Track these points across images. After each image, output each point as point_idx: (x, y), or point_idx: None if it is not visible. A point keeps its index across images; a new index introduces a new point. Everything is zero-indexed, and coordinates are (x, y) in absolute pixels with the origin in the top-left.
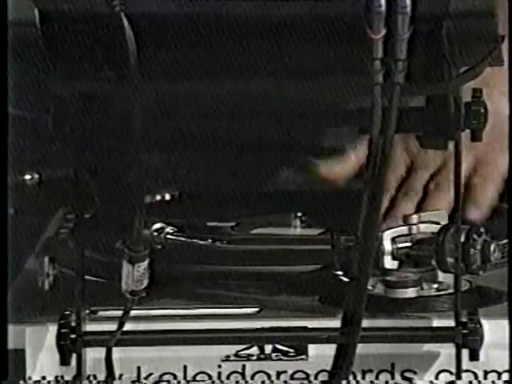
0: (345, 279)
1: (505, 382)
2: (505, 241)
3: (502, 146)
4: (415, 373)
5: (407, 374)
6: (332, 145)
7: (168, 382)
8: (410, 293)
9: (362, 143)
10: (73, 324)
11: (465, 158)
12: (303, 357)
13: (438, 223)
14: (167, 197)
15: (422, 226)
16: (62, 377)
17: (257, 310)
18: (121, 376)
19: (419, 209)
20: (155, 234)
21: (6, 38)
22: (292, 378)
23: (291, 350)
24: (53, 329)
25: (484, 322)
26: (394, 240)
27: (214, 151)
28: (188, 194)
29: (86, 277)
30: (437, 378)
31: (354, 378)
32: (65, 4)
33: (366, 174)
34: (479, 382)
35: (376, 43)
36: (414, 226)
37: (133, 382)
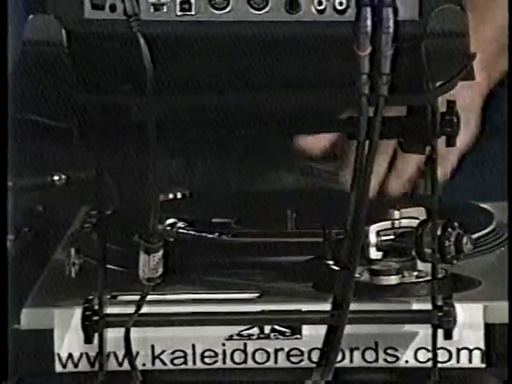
0: (335, 268)
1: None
2: (476, 235)
3: (465, 126)
4: (396, 350)
5: (389, 351)
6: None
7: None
8: (393, 280)
9: None
10: (95, 307)
11: None
12: (298, 336)
13: (417, 218)
14: (179, 195)
15: (404, 221)
16: (87, 353)
17: (257, 295)
18: (137, 353)
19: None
20: (168, 228)
21: (6, 40)
22: (288, 354)
23: (287, 330)
24: (78, 311)
25: (457, 305)
26: (378, 233)
27: (221, 156)
28: (197, 193)
29: (108, 266)
30: (415, 354)
31: (343, 354)
32: (88, 26)
33: (354, 176)
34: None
35: (363, 59)
36: (396, 221)
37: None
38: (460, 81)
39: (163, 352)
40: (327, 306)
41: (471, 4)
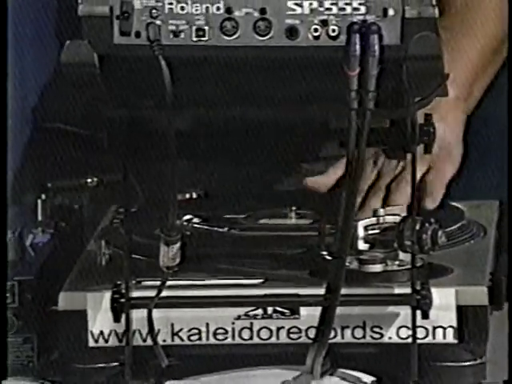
0: (328, 258)
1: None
2: (450, 228)
3: (448, 157)
4: (381, 328)
5: (375, 329)
6: (323, 155)
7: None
8: (378, 268)
9: (341, 162)
10: (123, 291)
11: (422, 163)
12: (297, 316)
13: (399, 215)
14: (194, 195)
15: (387, 218)
16: (115, 331)
17: (262, 281)
18: (159, 330)
19: (384, 202)
20: (185, 223)
21: (5, 40)
22: (288, 332)
23: (287, 311)
24: (108, 295)
25: (433, 289)
26: (365, 228)
27: (231, 161)
28: (210, 193)
29: (133, 255)
30: (398, 332)
31: (335, 332)
32: (117, 50)
33: (344, 178)
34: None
35: (352, 78)
36: (381, 218)
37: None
38: (435, 97)
39: (181, 330)
40: (322, 291)
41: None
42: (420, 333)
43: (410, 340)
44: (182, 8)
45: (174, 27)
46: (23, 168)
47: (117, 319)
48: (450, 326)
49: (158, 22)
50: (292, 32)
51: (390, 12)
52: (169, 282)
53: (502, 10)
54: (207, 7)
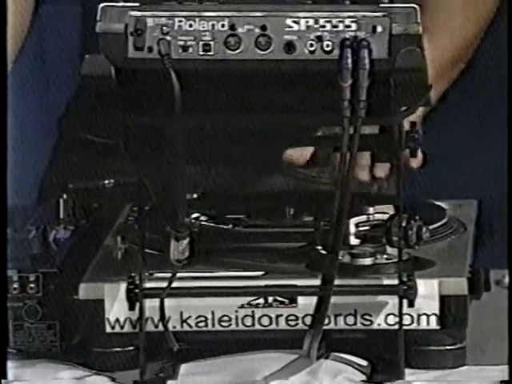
0: (323, 252)
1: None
2: (433, 225)
3: None
4: (371, 315)
5: (365, 317)
6: None
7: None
8: (368, 261)
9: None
10: (137, 282)
11: None
12: (294, 305)
13: (387, 213)
14: (201, 195)
15: (377, 215)
16: (130, 318)
17: (263, 273)
18: (169, 318)
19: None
20: (193, 220)
21: (5, 41)
22: (287, 319)
23: (286, 300)
24: (123, 285)
25: (418, 280)
26: (357, 225)
27: (236, 164)
28: (216, 194)
29: (146, 250)
30: (386, 319)
31: (329, 319)
32: (131, 63)
33: (338, 180)
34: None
35: (345, 89)
36: (371, 215)
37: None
38: (420, 107)
39: (189, 317)
40: (317, 282)
41: (431, 18)
42: (406, 320)
43: (397, 326)
44: (190, 25)
45: (182, 42)
46: (49, 171)
47: (131, 307)
48: (434, 314)
49: (168, 38)
50: (290, 47)
51: (379, 29)
52: (178, 274)
53: (465, 17)
54: (213, 24)
